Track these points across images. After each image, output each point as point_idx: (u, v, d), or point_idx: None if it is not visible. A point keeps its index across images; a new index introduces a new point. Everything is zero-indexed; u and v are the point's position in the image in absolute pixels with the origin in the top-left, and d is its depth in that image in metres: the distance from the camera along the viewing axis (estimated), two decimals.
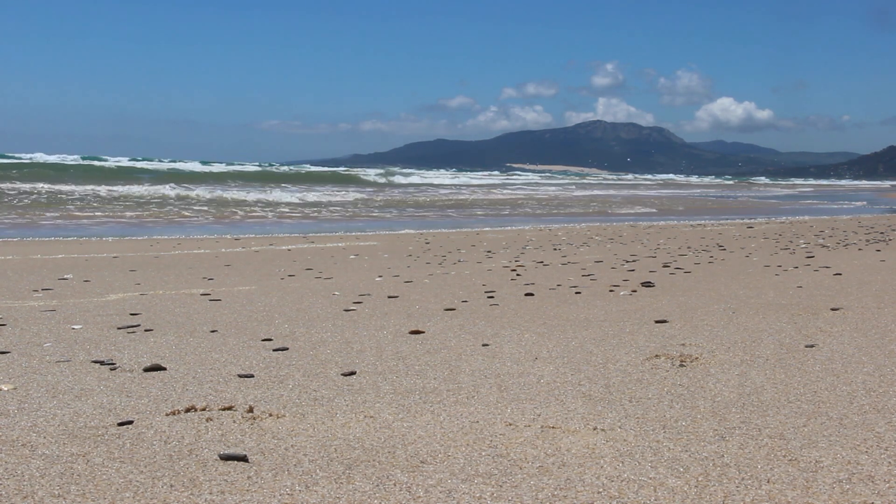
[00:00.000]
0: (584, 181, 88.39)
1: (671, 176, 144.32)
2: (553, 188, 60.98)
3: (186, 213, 26.01)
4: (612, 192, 57.05)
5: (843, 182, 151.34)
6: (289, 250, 13.63)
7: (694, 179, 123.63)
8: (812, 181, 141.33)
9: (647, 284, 8.46)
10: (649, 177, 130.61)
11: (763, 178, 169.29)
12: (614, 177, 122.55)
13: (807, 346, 5.25)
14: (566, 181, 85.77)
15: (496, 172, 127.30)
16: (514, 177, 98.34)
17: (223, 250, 13.61)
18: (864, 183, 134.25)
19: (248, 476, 3.09)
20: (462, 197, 42.30)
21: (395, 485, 3.01)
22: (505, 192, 52.02)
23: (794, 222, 22.20)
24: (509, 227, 21.02)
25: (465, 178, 77.32)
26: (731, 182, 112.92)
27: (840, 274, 9.10)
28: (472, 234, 18.18)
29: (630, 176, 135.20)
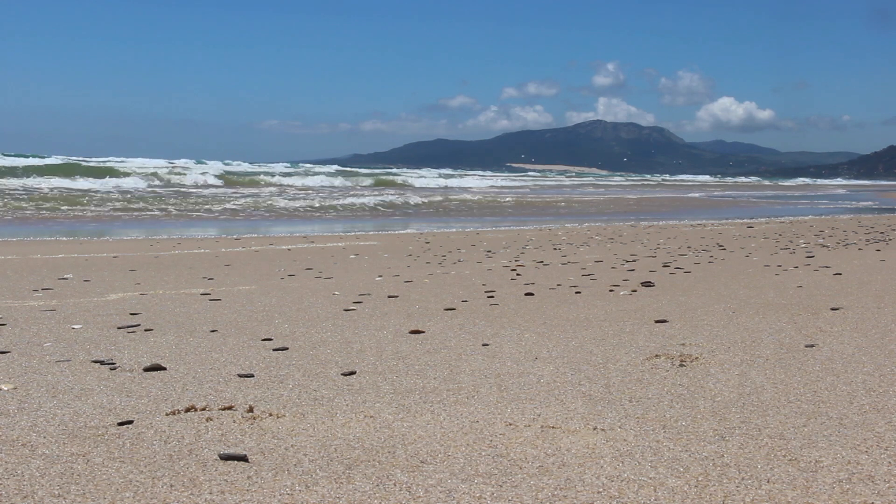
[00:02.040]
0: (628, 182, 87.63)
1: (700, 177, 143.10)
2: (602, 190, 60.83)
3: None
4: (653, 194, 56.33)
5: (861, 181, 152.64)
6: (289, 250, 13.63)
7: (729, 180, 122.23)
8: (843, 181, 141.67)
9: (647, 284, 8.46)
10: (685, 177, 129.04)
11: (805, 178, 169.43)
12: (639, 178, 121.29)
13: (807, 346, 5.25)
14: (605, 183, 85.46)
15: (532, 174, 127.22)
16: (559, 178, 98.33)
17: (223, 250, 13.61)
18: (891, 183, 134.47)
19: (248, 476, 3.09)
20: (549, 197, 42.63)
21: (395, 485, 3.01)
22: (589, 192, 52.00)
23: (794, 222, 22.19)
24: (509, 227, 21.02)
25: (503, 180, 76.69)
26: (768, 183, 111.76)
27: (840, 274, 9.10)
28: (472, 233, 18.18)
29: (659, 177, 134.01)
